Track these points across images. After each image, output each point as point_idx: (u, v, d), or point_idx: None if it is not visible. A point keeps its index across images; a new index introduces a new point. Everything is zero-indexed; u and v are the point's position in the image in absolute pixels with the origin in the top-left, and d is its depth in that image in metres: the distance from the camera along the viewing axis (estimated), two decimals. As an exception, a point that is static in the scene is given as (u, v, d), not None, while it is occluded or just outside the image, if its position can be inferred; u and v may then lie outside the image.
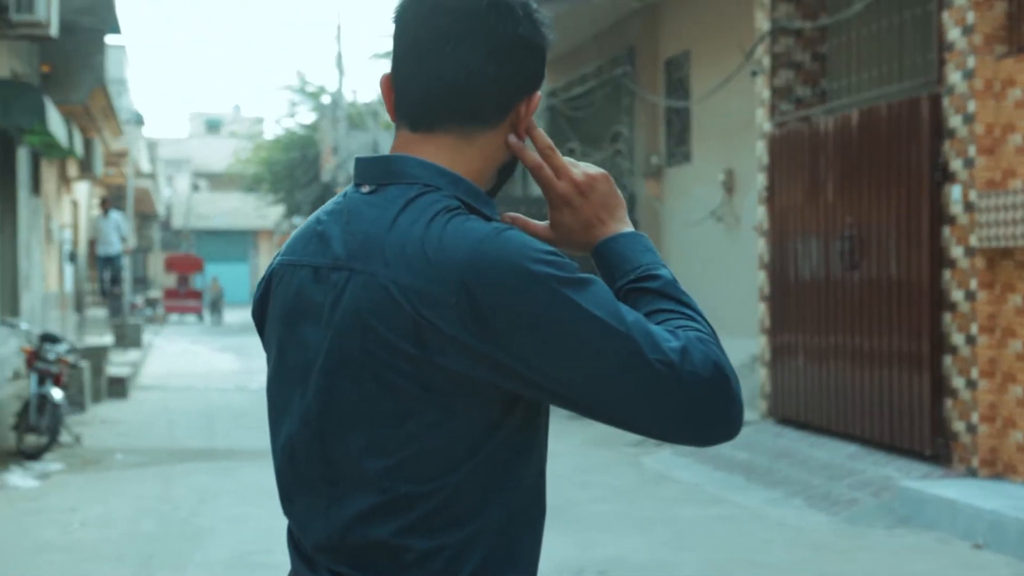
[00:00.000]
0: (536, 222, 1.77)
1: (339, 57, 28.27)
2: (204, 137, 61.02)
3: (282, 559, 1.94)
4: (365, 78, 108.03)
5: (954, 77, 8.01)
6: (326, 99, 31.87)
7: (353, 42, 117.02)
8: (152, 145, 39.55)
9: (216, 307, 38.65)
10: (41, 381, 10.70)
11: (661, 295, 1.66)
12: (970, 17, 7.86)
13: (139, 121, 28.10)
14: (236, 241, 55.84)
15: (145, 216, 41.40)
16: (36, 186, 14.36)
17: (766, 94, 10.45)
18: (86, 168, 18.59)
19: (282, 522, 1.79)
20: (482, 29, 1.66)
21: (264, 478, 7.11)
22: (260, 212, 42.91)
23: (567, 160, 1.75)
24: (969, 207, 7.86)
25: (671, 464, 9.78)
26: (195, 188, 57.67)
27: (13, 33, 11.18)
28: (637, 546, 6.98)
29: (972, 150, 7.84)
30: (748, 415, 11.01)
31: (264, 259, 54.14)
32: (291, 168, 33.94)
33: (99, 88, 15.02)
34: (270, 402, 1.74)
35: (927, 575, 6.44)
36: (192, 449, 10.86)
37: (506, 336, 1.54)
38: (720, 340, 1.64)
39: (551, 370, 1.55)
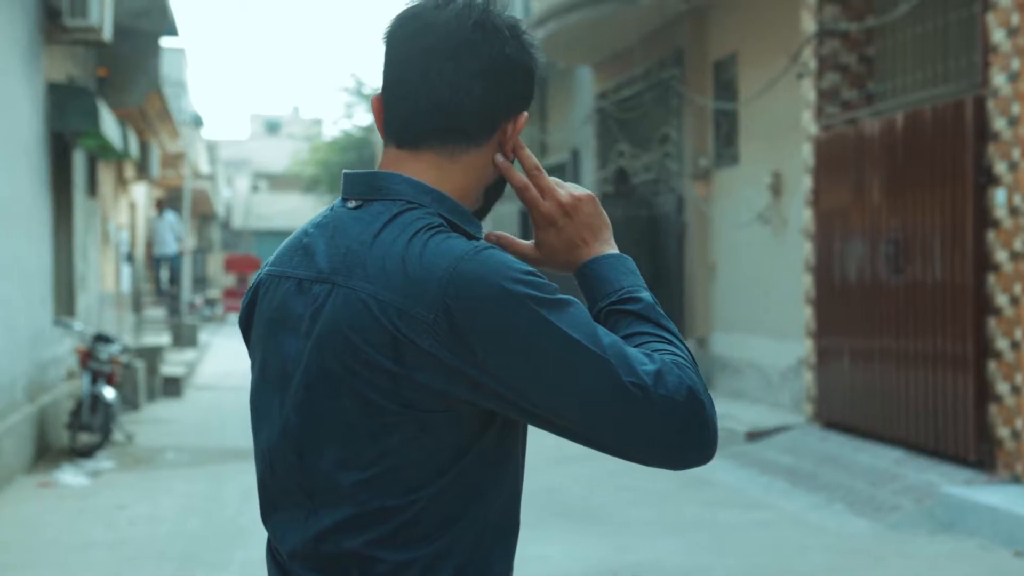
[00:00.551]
0: (521, 241, 1.78)
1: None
2: (264, 138, 61.52)
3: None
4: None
5: (999, 79, 7.94)
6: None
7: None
8: (212, 147, 39.97)
9: (273, 307, 38.86)
10: (94, 380, 10.87)
11: (640, 318, 1.67)
12: (1015, 19, 7.78)
13: (198, 123, 28.42)
14: (294, 242, 56.12)
15: (204, 217, 41.87)
16: (93, 188, 14.56)
17: (812, 96, 10.40)
18: (143, 170, 18.84)
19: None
20: (469, 49, 1.67)
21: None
22: (318, 213, 43.16)
23: (553, 180, 1.77)
24: (1014, 211, 7.78)
25: (713, 467, 9.71)
26: (255, 189, 58.21)
27: (67, 38, 11.36)
28: (673, 550, 6.97)
29: (1016, 153, 7.76)
30: (794, 418, 10.95)
31: (322, 259, 54.27)
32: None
33: (155, 91, 15.22)
34: (253, 410, 1.77)
35: (965, 582, 6.41)
36: (242, 449, 10.98)
37: (483, 354, 1.55)
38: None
39: (526, 389, 1.56)
